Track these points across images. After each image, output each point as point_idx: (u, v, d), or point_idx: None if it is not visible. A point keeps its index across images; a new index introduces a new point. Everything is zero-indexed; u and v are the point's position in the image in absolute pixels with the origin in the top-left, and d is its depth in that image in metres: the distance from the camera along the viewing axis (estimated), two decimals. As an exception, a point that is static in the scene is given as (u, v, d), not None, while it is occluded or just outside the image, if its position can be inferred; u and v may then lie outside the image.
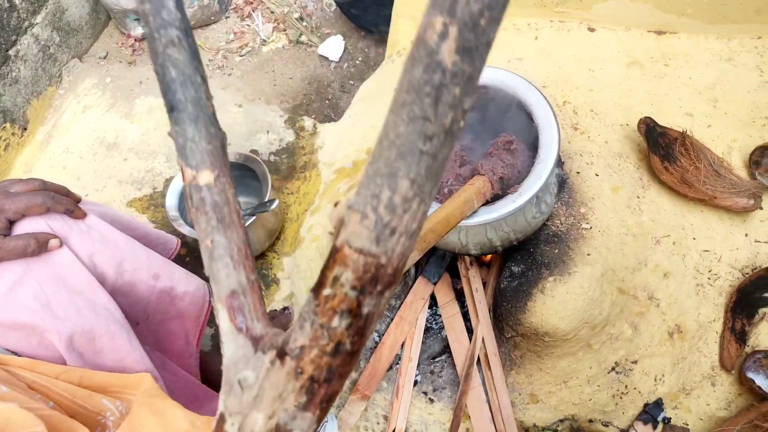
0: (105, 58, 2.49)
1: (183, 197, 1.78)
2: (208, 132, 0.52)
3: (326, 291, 0.41)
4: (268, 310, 1.76)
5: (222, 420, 0.48)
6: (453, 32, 0.35)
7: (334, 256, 0.40)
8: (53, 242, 1.00)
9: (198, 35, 2.44)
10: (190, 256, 1.90)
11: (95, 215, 1.15)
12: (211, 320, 1.78)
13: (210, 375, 1.43)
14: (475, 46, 0.35)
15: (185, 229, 1.69)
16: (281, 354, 0.44)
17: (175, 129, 0.51)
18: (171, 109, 0.51)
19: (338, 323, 0.42)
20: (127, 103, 2.31)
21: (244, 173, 1.83)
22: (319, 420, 0.46)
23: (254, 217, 1.68)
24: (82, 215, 1.09)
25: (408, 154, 0.37)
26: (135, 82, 2.37)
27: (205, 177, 0.52)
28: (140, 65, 2.44)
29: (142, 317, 1.23)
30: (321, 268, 0.42)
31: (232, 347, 0.49)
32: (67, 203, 1.04)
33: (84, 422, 0.85)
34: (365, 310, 0.42)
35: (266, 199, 1.70)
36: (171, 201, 1.76)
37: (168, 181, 2.03)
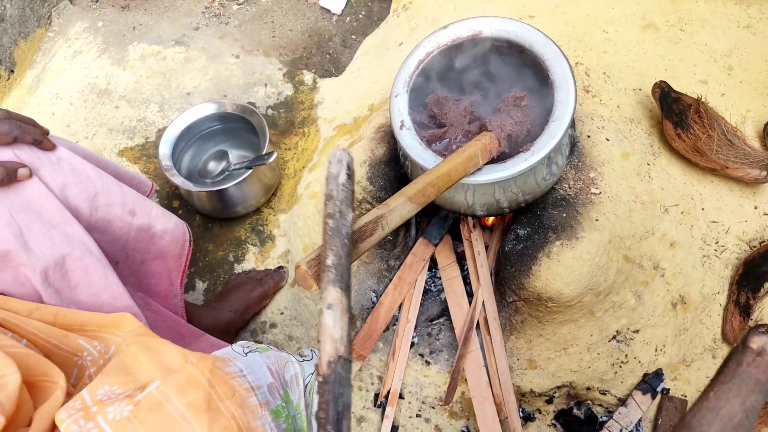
0: (97, 1, 2.38)
1: (177, 146, 1.72)
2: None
3: None
4: (262, 268, 1.72)
5: None
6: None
7: None
8: (22, 171, 0.94)
9: (195, -19, 2.33)
10: (183, 209, 1.84)
11: (65, 149, 1.09)
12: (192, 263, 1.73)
13: (192, 319, 1.39)
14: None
15: (178, 180, 1.63)
16: None
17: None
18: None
19: None
20: (119, 48, 2.22)
21: (241, 126, 1.77)
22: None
23: (250, 171, 1.62)
24: (51, 146, 1.03)
25: None
26: (128, 27, 2.27)
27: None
28: (134, 10, 2.34)
29: (122, 256, 1.18)
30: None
31: None
32: (35, 134, 0.99)
33: (59, 363, 0.81)
34: None
35: (264, 152, 1.64)
36: (164, 149, 1.69)
37: (161, 131, 1.96)
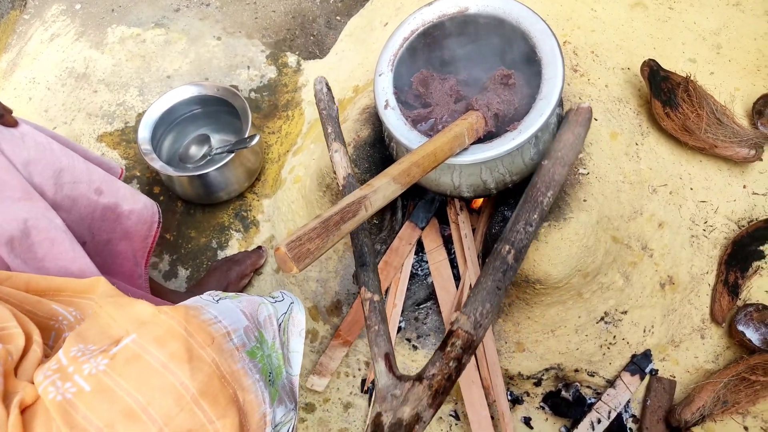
0: (73, -18, 2.32)
1: (156, 130, 1.68)
2: (376, 277, 1.10)
3: (448, 348, 0.93)
4: (243, 250, 1.69)
5: (379, 416, 0.89)
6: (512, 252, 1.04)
7: (451, 333, 0.96)
8: None
9: (174, -39, 2.27)
10: (164, 195, 1.80)
11: (30, 124, 1.06)
12: (160, 245, 1.70)
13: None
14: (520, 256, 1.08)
15: (158, 164, 1.59)
16: (419, 379, 0.91)
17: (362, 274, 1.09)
18: (361, 264, 1.11)
19: (452, 364, 0.92)
20: (97, 31, 2.16)
21: (223, 109, 1.72)
22: (435, 413, 0.90)
23: (233, 154, 1.59)
24: (14, 122, 1.00)
25: (490, 294, 1.01)
26: (106, 9, 2.21)
27: (377, 297, 1.07)
28: (112, -8, 2.28)
29: (88, 236, 1.15)
30: (442, 340, 0.97)
31: (385, 380, 0.94)
32: None
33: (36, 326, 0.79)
34: (464, 360, 0.94)
35: (246, 136, 1.61)
36: (143, 133, 1.65)
37: (141, 116, 1.91)
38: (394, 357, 1.00)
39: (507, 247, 1.08)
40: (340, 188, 1.17)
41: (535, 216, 1.12)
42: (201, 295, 0.95)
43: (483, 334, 0.99)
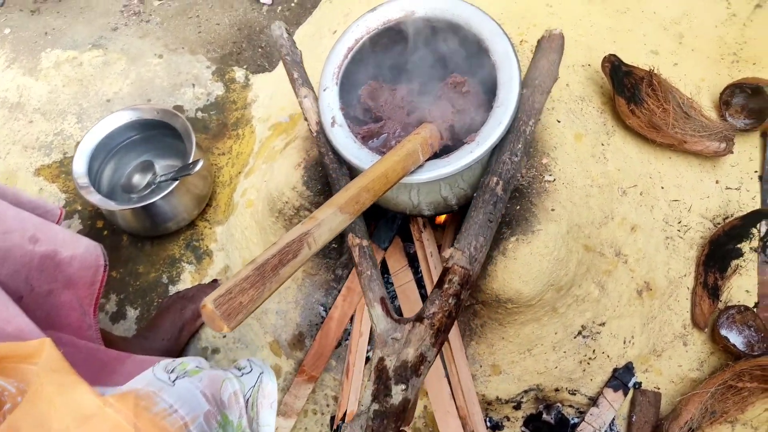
0: (2, 5, 2.17)
1: (94, 160, 1.55)
2: (363, 222, 1.12)
3: (446, 285, 0.96)
4: (197, 284, 1.57)
5: (382, 361, 0.91)
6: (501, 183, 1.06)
7: (447, 270, 0.98)
8: None
9: (109, -23, 2.14)
10: (108, 229, 1.68)
11: None
12: (106, 285, 1.58)
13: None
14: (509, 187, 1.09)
15: (96, 198, 1.47)
16: (419, 319, 0.94)
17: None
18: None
19: (451, 301, 0.95)
20: (30, 57, 2.02)
21: (165, 132, 1.61)
22: (438, 352, 0.94)
23: (177, 182, 1.47)
24: None
25: (482, 227, 1.03)
26: (39, 33, 2.07)
27: (365, 242, 1.08)
28: (45, 13, 2.14)
29: (25, 289, 1.04)
30: (438, 277, 1.00)
31: (383, 324, 0.96)
32: None
33: None
34: (462, 295, 0.97)
35: (190, 161, 1.49)
36: (80, 167, 1.53)
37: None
38: (390, 300, 1.02)
39: (495, 179, 1.07)
40: (313, 135, 1.17)
41: (519, 145, 1.11)
42: (155, 371, 0.85)
43: (478, 269, 1.01)
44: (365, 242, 1.08)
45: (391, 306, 1.00)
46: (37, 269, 1.06)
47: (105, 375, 1.09)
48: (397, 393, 0.88)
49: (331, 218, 0.85)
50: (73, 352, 1.10)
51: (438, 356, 1.33)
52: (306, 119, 1.20)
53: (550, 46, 1.21)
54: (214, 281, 1.55)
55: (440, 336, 0.93)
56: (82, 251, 1.16)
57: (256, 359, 1.05)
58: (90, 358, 1.13)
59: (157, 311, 1.50)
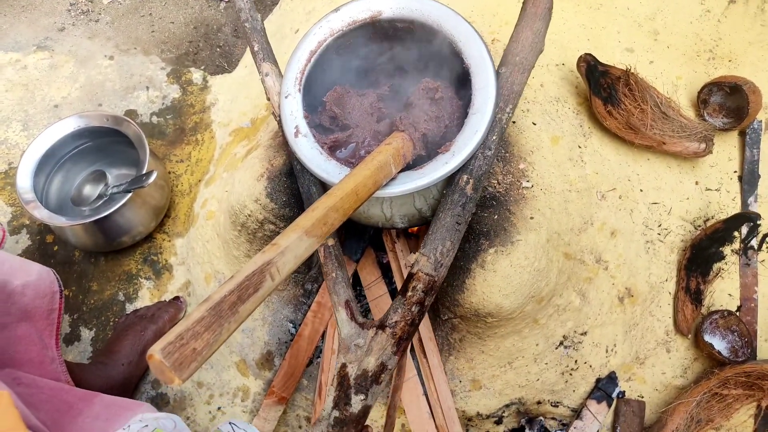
0: (-64, 4, 2.02)
1: (40, 172, 1.44)
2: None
3: (409, 293, 0.94)
4: (157, 301, 1.47)
5: (344, 367, 0.91)
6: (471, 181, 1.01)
7: (412, 276, 0.95)
8: None
9: (54, -27, 2.00)
10: (59, 244, 1.56)
11: None
12: (74, 308, 1.47)
13: (80, 383, 1.15)
14: (480, 185, 1.02)
15: (43, 214, 1.36)
16: (381, 326, 0.93)
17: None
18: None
19: (414, 309, 0.93)
20: (-32, 59, 1.88)
21: (116, 140, 1.50)
22: (400, 359, 0.93)
23: (130, 194, 1.37)
24: None
25: (450, 230, 0.98)
26: (-23, 33, 1.93)
27: (331, 241, 1.05)
28: (-17, 12, 1.99)
29: None
30: (402, 284, 0.99)
31: (347, 329, 0.95)
32: None
33: None
34: (426, 302, 0.95)
35: (144, 171, 1.39)
36: (24, 182, 1.42)
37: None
38: (356, 303, 0.99)
39: (465, 177, 1.01)
40: (276, 117, 1.10)
41: (494, 137, 1.04)
42: (131, 425, 0.77)
43: (444, 273, 0.97)
44: (331, 242, 1.04)
45: (357, 308, 0.99)
46: None
47: (70, 418, 0.99)
48: (357, 402, 0.89)
49: (296, 244, 0.77)
50: (34, 393, 1.01)
51: (416, 372, 1.28)
52: (268, 99, 1.13)
53: (536, 11, 1.11)
54: (176, 298, 1.45)
55: (402, 344, 0.92)
56: (34, 278, 1.07)
57: (240, 422, 0.99)
58: (53, 399, 1.03)
59: (114, 333, 1.40)
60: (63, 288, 1.13)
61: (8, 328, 1.03)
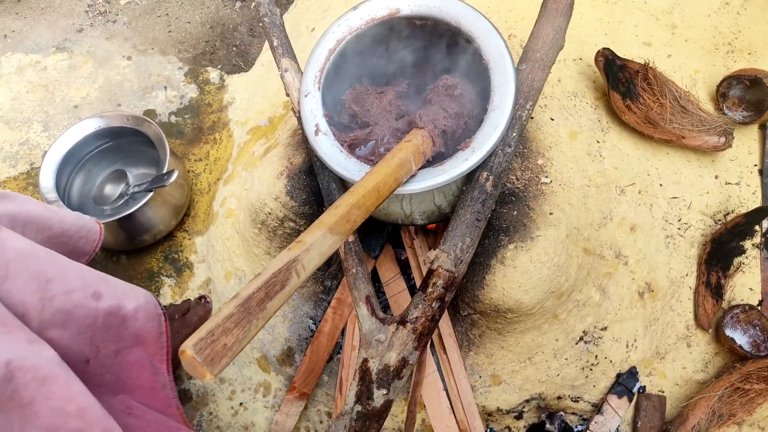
0: (-43, 7, 2.05)
1: (62, 172, 1.46)
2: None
3: (429, 289, 0.95)
4: (180, 301, 1.49)
5: (366, 362, 0.93)
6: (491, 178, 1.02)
7: (432, 273, 0.96)
8: None
9: (72, -25, 2.03)
10: (81, 244, 1.59)
11: (5, 219, 0.84)
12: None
13: None
14: (499, 182, 1.04)
15: (66, 215, 1.38)
16: (402, 322, 0.94)
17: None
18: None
19: (435, 305, 0.94)
20: (-10, 62, 1.91)
21: (136, 139, 1.52)
22: (421, 354, 0.94)
23: (151, 194, 1.39)
24: None
25: (470, 227, 0.99)
26: (-2, 36, 1.96)
27: (351, 237, 1.06)
28: (3, 15, 2.02)
29: (91, 352, 0.95)
30: (423, 280, 0.98)
31: (368, 324, 0.97)
32: None
33: None
34: (447, 298, 0.96)
35: (164, 171, 1.41)
36: (46, 181, 1.44)
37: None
38: (376, 299, 1.01)
39: (485, 174, 1.02)
40: (295, 114, 1.11)
41: (514, 134, 1.05)
42: None
43: (464, 270, 0.99)
44: (351, 238, 1.06)
45: (377, 303, 1.00)
46: (102, 329, 0.96)
47: None
48: (379, 397, 0.91)
49: (321, 241, 0.78)
50: (141, 426, 1.00)
51: (435, 368, 1.28)
52: (287, 94, 1.14)
53: (557, 7, 1.12)
54: (202, 298, 1.46)
55: (423, 339, 0.94)
56: (144, 302, 1.05)
57: None
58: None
59: None
60: (165, 311, 1.12)
61: (121, 354, 1.02)
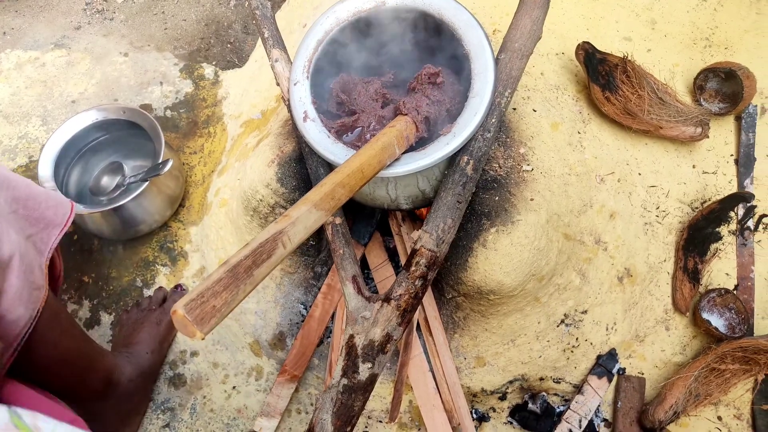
0: (-43, 5, 2.09)
1: (60, 163, 1.50)
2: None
3: (413, 268, 0.99)
4: (156, 289, 1.53)
5: (352, 338, 0.97)
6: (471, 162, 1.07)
7: (415, 252, 1.01)
8: None
9: (70, -26, 2.07)
10: (78, 233, 1.63)
11: None
12: (78, 290, 1.52)
13: (115, 369, 1.20)
14: (479, 165, 1.09)
15: (64, 203, 1.42)
16: (387, 299, 0.98)
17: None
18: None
19: (418, 283, 0.99)
20: (-11, 58, 1.95)
21: (132, 132, 1.56)
22: (404, 330, 0.99)
23: (147, 183, 1.43)
24: None
25: (451, 209, 1.04)
26: (-3, 33, 2.00)
27: (338, 220, 1.10)
28: (2, 12, 2.07)
29: None
30: (407, 259, 1.03)
31: (354, 302, 1.01)
32: None
33: None
34: (429, 276, 1.00)
35: (159, 161, 1.45)
36: (45, 171, 1.48)
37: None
38: (362, 278, 1.05)
39: (465, 158, 1.06)
40: (285, 102, 1.15)
41: (493, 120, 1.09)
42: None
43: (446, 250, 1.03)
44: (338, 220, 1.10)
45: (363, 283, 1.04)
46: None
47: None
48: (364, 370, 0.95)
49: (306, 216, 0.82)
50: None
51: (422, 350, 1.32)
52: (278, 84, 1.18)
53: (534, 0, 1.17)
54: (177, 287, 1.51)
55: (406, 315, 0.98)
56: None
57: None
58: None
59: (129, 326, 1.44)
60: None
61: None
